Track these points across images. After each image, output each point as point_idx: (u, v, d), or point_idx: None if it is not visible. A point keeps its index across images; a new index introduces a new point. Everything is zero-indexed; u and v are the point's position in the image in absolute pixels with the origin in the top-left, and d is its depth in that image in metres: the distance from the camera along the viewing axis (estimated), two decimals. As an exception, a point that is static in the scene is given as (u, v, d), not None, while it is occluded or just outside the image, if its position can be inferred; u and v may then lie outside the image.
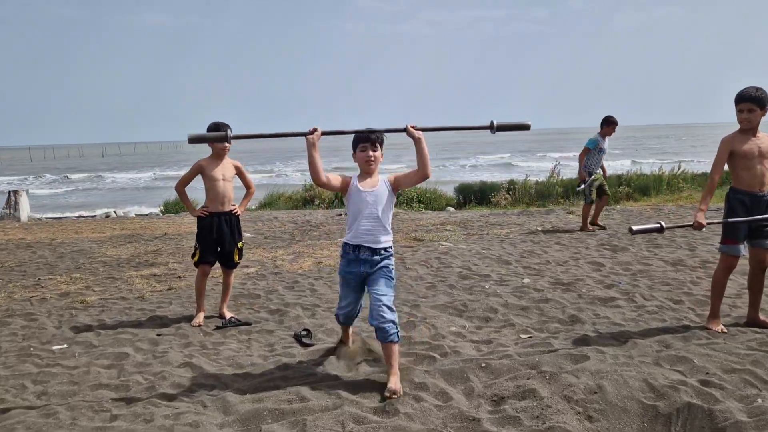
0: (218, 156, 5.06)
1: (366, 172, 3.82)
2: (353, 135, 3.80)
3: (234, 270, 5.32)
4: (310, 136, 3.66)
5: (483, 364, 3.86)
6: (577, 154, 9.84)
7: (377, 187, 3.80)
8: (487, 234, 9.60)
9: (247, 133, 4.04)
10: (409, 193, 21.42)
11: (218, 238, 5.08)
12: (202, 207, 5.13)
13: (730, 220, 4.34)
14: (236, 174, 5.20)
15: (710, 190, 4.41)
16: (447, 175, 37.68)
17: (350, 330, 4.28)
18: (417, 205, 20.74)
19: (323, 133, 3.72)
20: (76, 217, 19.61)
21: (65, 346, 4.61)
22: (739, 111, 4.26)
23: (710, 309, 4.53)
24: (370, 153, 3.76)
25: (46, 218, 18.57)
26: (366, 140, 3.76)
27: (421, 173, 3.75)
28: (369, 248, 3.78)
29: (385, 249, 3.82)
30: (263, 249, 8.74)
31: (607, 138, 9.37)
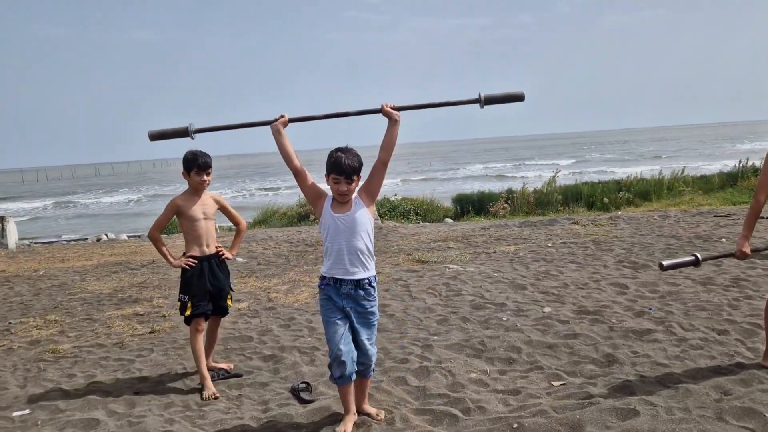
0: (196, 191, 4.31)
1: (338, 201, 3.36)
2: (328, 157, 3.30)
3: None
4: (275, 123, 3.40)
5: (515, 425, 3.28)
6: (568, 161, 9.24)
7: (351, 210, 3.33)
8: (495, 252, 9.01)
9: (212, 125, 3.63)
10: (406, 206, 20.91)
11: (212, 285, 4.32)
12: (185, 255, 4.30)
13: None
14: (219, 209, 4.48)
15: (756, 213, 3.81)
16: (443, 186, 37.22)
17: (350, 392, 3.44)
18: (414, 217, 20.21)
19: (291, 120, 3.44)
20: (65, 242, 18.94)
21: (27, 411, 3.99)
22: None
23: (766, 343, 3.95)
24: (344, 188, 3.30)
25: (36, 244, 17.92)
26: (340, 172, 3.26)
27: (383, 157, 3.33)
28: (351, 281, 3.30)
29: (369, 282, 3.35)
30: (256, 278, 8.13)
31: None
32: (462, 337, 4.89)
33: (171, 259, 4.27)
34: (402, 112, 3.42)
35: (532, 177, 33.97)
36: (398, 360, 4.45)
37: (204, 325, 4.34)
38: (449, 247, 10.06)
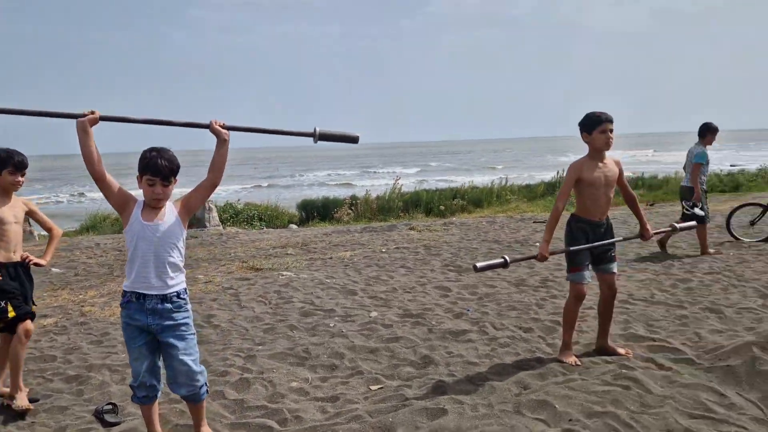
0: (6, 192, 3.85)
1: (152, 207, 3.08)
2: (141, 157, 3.03)
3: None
4: (82, 119, 2.96)
5: (329, 432, 3.28)
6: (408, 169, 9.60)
7: (165, 219, 3.08)
8: (331, 258, 9.07)
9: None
10: (249, 211, 20.46)
11: (21, 290, 3.89)
12: None
13: (572, 248, 4.17)
14: (27, 214, 4.02)
15: (555, 219, 4.18)
16: (288, 192, 36.96)
17: (155, 412, 3.29)
18: (258, 223, 19.82)
19: (102, 119, 3.04)
20: None
21: None
22: (601, 132, 4.08)
23: (562, 340, 4.34)
24: (159, 191, 3.03)
25: None
26: (156, 173, 3.00)
27: (213, 179, 3.14)
28: (156, 296, 3.05)
29: (178, 295, 3.10)
30: (71, 290, 7.45)
31: (708, 147, 8.18)
32: (287, 345, 4.83)
33: None
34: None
35: (378, 184, 34.93)
36: (218, 373, 4.28)
37: (31, 326, 3.87)
38: (287, 254, 9.96)
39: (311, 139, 3.42)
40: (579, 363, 4.13)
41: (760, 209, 9.12)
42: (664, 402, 3.47)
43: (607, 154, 4.21)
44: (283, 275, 7.50)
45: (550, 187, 23.34)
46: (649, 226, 4.40)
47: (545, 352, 4.46)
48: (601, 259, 4.26)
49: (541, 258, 4.13)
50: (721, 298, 5.79)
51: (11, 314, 3.78)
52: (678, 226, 4.69)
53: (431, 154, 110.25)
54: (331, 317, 5.60)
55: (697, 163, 7.91)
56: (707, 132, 8.03)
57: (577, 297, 4.22)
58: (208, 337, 5.10)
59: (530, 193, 23.88)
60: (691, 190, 7.99)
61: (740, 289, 6.13)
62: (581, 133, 4.16)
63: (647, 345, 4.52)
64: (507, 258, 4.07)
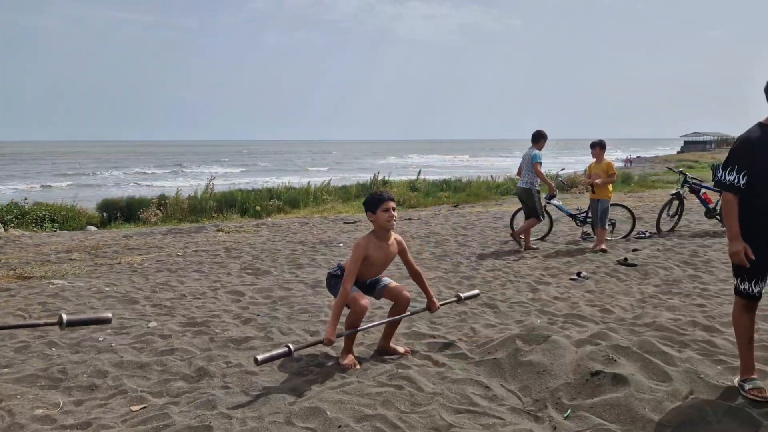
0: None
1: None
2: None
3: None
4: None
5: (71, 466, 2.85)
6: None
7: None
8: (119, 263, 8.29)
9: None
10: (40, 212, 18.30)
11: None
12: None
13: (346, 333, 4.19)
14: None
15: (343, 302, 4.04)
16: (89, 191, 33.79)
17: None
18: (51, 225, 17.79)
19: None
20: None
21: None
22: (384, 211, 4.08)
23: (344, 345, 4.28)
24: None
25: None
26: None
27: None
28: None
29: None
30: None
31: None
32: (41, 366, 4.22)
33: None
34: None
35: (195, 184, 33.24)
36: (-58, 405, 3.59)
37: None
38: (70, 259, 8.95)
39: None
40: (357, 365, 4.11)
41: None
42: (432, 399, 3.54)
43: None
44: (54, 284, 6.66)
45: (366, 189, 23.86)
46: (435, 299, 4.55)
47: (328, 355, 4.38)
48: (372, 287, 4.38)
49: (328, 342, 3.99)
50: (498, 293, 6.19)
51: None
52: (462, 295, 4.89)
53: (250, 153, 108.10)
54: (102, 330, 5.03)
55: (536, 162, 8.69)
56: (540, 137, 8.90)
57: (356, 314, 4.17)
58: (-62, 362, 4.29)
59: (346, 194, 24.26)
60: (529, 191, 8.79)
61: (516, 284, 6.63)
62: (366, 212, 4.17)
63: (427, 342, 4.64)
64: (291, 347, 3.87)
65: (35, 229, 16.97)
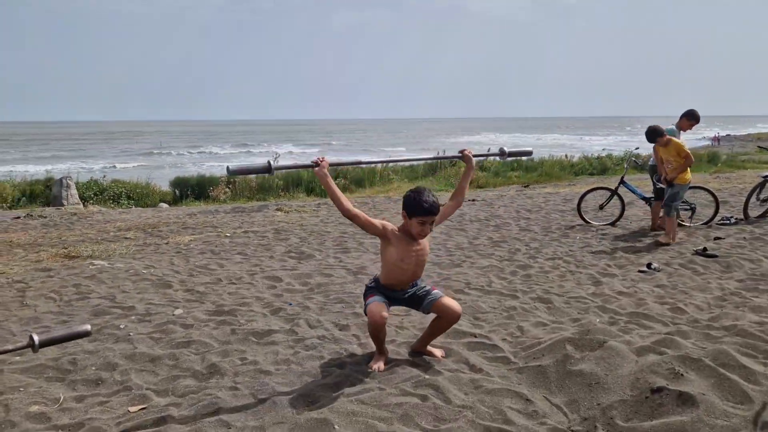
0: None
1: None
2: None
3: None
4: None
5: (47, 476, 2.58)
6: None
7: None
8: (167, 243, 8.20)
9: None
10: (116, 189, 18.92)
11: None
12: None
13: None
14: None
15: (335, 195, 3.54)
16: (160, 170, 34.81)
17: None
18: (126, 202, 18.36)
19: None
20: None
21: None
22: (420, 224, 3.52)
23: (376, 350, 3.83)
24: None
25: None
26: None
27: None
28: None
29: None
30: None
31: (682, 132, 8.35)
32: (54, 354, 4.02)
33: None
34: None
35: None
36: (-57, 396, 3.43)
37: None
38: (126, 237, 8.97)
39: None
40: (382, 369, 3.66)
41: (609, 193, 9.23)
42: (460, 414, 3.07)
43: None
44: (94, 264, 6.58)
45: (432, 168, 23.27)
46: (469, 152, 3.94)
47: (353, 354, 3.96)
48: (419, 303, 3.77)
49: (322, 162, 3.43)
50: (555, 286, 5.60)
51: None
52: (508, 150, 4.21)
53: (326, 132, 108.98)
54: (126, 317, 4.83)
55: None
56: (685, 117, 8.31)
57: (374, 324, 3.64)
58: (-44, 347, 4.18)
59: (413, 173, 23.78)
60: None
61: (576, 275, 5.99)
62: (402, 210, 3.58)
63: (467, 342, 4.15)
64: (271, 162, 3.40)
65: (112, 205, 17.53)
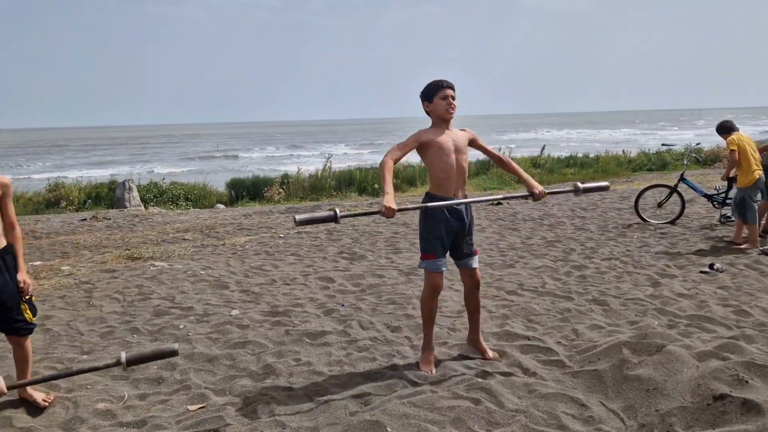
0: None
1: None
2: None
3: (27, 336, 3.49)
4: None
5: (112, 471, 2.70)
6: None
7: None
8: (224, 244, 8.42)
9: None
10: (175, 191, 19.49)
11: None
12: None
13: (428, 205, 3.59)
14: None
15: (387, 172, 3.50)
16: (216, 172, 35.64)
17: None
18: (184, 203, 18.91)
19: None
20: None
21: None
22: (442, 98, 3.63)
23: (423, 339, 3.86)
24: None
25: None
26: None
27: None
28: None
29: None
30: None
31: None
32: (117, 354, 4.19)
33: None
34: None
35: (317, 163, 33.99)
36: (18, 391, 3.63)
37: None
38: (184, 239, 9.26)
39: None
40: (433, 372, 3.67)
41: (668, 190, 8.94)
42: (513, 419, 3.05)
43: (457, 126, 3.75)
44: (155, 266, 6.82)
45: (484, 166, 23.01)
46: (535, 183, 3.76)
47: (405, 356, 3.98)
48: (460, 252, 3.78)
49: (389, 211, 3.34)
50: (611, 287, 5.46)
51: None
52: (581, 186, 3.92)
53: (385, 131, 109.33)
54: (185, 317, 4.98)
55: None
56: None
57: (432, 288, 3.72)
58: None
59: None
60: None
61: (634, 276, 5.83)
62: (422, 102, 3.73)
63: (520, 344, 4.11)
64: (337, 210, 3.47)
65: (171, 207, 18.09)
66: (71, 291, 5.88)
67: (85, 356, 4.19)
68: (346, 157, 40.78)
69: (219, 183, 22.59)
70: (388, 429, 2.95)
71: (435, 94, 3.65)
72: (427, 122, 3.77)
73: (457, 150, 3.64)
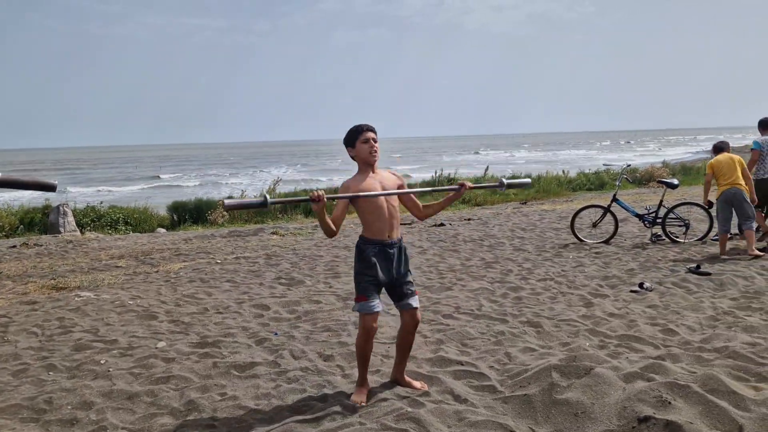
0: None
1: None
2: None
3: None
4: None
5: None
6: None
7: None
8: (157, 271, 8.13)
9: None
10: (114, 215, 18.83)
11: None
12: None
13: (350, 195, 3.53)
14: None
15: (327, 226, 3.52)
16: (159, 193, 34.81)
17: None
18: (124, 228, 18.28)
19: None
20: None
21: None
22: (363, 142, 3.60)
23: (358, 377, 3.75)
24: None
25: None
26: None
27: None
28: None
29: None
30: None
31: None
32: (30, 393, 3.93)
33: None
34: None
35: (260, 184, 33.54)
36: None
37: None
38: (117, 266, 8.91)
39: None
40: (364, 402, 3.58)
41: (602, 210, 9.18)
42: (441, 450, 2.98)
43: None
44: (80, 296, 6.49)
45: (429, 184, 23.21)
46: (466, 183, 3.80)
47: (335, 386, 3.87)
48: (400, 294, 3.71)
49: (317, 198, 3.29)
50: (545, 308, 5.51)
51: None
52: (507, 181, 3.96)
53: (334, 153, 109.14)
54: (108, 351, 4.74)
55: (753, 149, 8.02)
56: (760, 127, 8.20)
57: (365, 331, 3.61)
58: (-69, 388, 4.10)
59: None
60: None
61: (567, 297, 5.91)
62: (347, 149, 3.70)
63: (453, 370, 4.06)
64: (267, 196, 3.36)
65: (110, 231, 17.46)
66: (-15, 327, 5.52)
67: (-8, 398, 3.91)
68: (291, 178, 40.49)
69: (161, 207, 22.02)
70: (312, 466, 2.84)
71: (356, 139, 3.63)
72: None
73: (387, 197, 3.60)
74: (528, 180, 4.26)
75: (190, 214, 20.47)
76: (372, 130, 3.66)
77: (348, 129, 3.68)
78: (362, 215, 3.62)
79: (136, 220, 19.07)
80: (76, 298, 6.42)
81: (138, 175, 57.25)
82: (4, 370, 4.40)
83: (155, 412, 3.62)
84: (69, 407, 3.71)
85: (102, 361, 4.50)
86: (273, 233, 13.00)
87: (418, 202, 3.82)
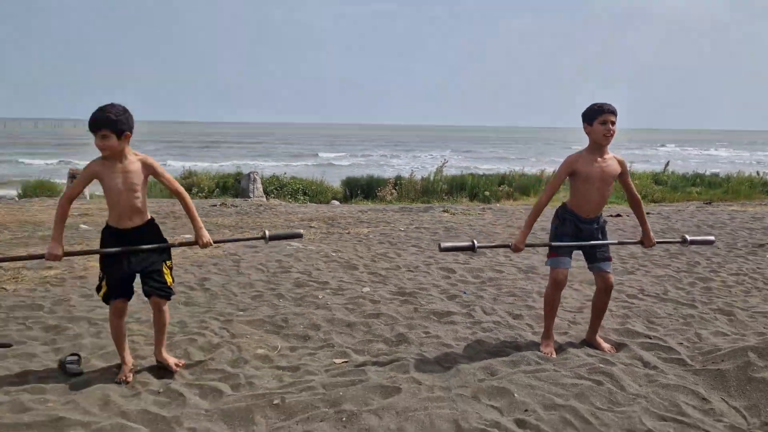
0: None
1: None
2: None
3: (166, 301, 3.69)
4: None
5: (276, 401, 3.20)
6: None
7: None
8: (348, 233, 8.99)
9: None
10: (294, 185, 20.62)
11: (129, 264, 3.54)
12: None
13: (553, 243, 3.99)
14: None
15: (537, 212, 4.04)
16: (333, 170, 36.98)
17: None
18: (302, 197, 19.99)
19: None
20: None
21: None
22: (601, 123, 3.80)
23: (544, 329, 4.13)
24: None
25: None
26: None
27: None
28: None
29: None
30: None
31: None
32: (268, 313, 4.77)
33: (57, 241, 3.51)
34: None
35: (426, 166, 34.40)
36: (191, 333, 4.26)
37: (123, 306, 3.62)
38: (310, 226, 9.95)
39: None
40: (554, 354, 3.91)
41: None
42: (634, 401, 3.24)
43: (612, 151, 3.95)
44: (290, 245, 7.47)
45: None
46: (652, 234, 4.17)
47: (527, 340, 4.25)
48: (593, 257, 4.02)
49: (516, 249, 3.96)
50: (738, 300, 5.40)
51: (100, 294, 3.63)
52: (689, 238, 4.31)
53: (492, 138, 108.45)
54: (323, 289, 5.51)
55: None
56: None
57: (555, 283, 3.98)
58: (194, 300, 5.11)
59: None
60: None
61: (764, 292, 5.71)
62: (582, 123, 3.92)
63: (641, 342, 4.23)
64: (475, 242, 3.90)
65: (290, 200, 19.22)
66: (222, 260, 6.62)
67: (240, 312, 4.80)
68: (454, 162, 40.95)
69: (334, 180, 23.61)
70: (515, 395, 3.24)
71: (595, 118, 3.79)
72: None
73: (603, 181, 3.87)
74: (712, 238, 4.54)
75: (362, 189, 21.72)
76: (613, 112, 3.78)
77: (590, 105, 3.84)
78: (573, 191, 3.93)
79: (314, 191, 20.70)
80: (287, 246, 7.40)
81: (305, 152, 61.02)
82: (244, 293, 5.33)
83: (371, 339, 4.25)
84: (301, 326, 4.47)
85: (320, 297, 5.27)
86: (444, 211, 13.51)
87: (637, 196, 4.08)
